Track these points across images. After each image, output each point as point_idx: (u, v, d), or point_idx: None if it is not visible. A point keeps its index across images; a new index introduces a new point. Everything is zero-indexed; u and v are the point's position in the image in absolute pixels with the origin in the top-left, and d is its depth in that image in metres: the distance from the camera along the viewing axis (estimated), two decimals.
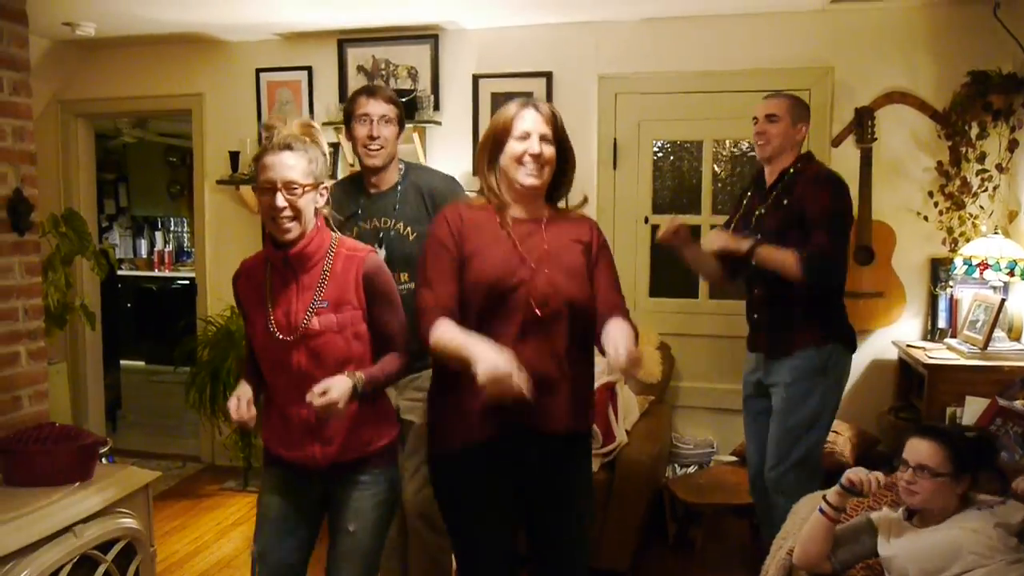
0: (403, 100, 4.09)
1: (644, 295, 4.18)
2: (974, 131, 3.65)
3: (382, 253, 2.52)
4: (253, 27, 4.29)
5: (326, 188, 2.05)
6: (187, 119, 4.79)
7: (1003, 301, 3.37)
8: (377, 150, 2.61)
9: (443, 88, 4.29)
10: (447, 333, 1.90)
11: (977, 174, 3.66)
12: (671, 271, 4.08)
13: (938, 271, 3.76)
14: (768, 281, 2.76)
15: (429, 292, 1.98)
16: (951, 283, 3.69)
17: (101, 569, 2.27)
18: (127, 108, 5.05)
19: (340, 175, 4.08)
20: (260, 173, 1.98)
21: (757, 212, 2.85)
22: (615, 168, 4.15)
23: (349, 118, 2.67)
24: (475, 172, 2.04)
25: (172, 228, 8.51)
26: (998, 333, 3.37)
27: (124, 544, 2.34)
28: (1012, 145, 3.59)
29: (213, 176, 4.64)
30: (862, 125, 3.74)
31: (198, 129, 4.72)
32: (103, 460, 2.54)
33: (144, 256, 8.25)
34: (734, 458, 3.89)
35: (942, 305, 3.74)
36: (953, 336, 3.63)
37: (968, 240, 3.63)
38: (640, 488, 3.30)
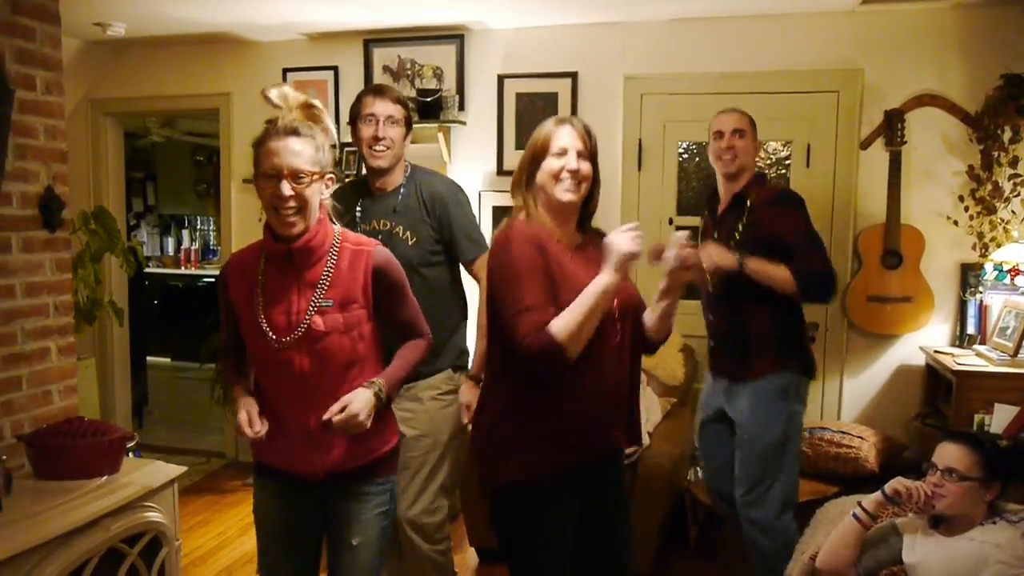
0: (428, 100, 4.14)
1: None
2: (1006, 135, 3.59)
3: None
4: (280, 27, 4.33)
5: (331, 178, 1.92)
6: (214, 118, 4.84)
7: None
8: (382, 151, 2.55)
9: (468, 88, 4.30)
10: (564, 315, 1.81)
11: (1009, 179, 3.60)
12: None
13: (968, 276, 3.71)
14: (728, 307, 2.73)
15: (528, 316, 1.80)
16: (981, 289, 3.65)
17: (127, 562, 2.30)
18: (156, 107, 5.11)
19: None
20: (263, 159, 1.83)
21: (714, 236, 2.79)
22: (640, 169, 4.13)
23: (355, 118, 2.60)
24: (512, 193, 2.01)
25: (199, 226, 8.61)
26: None
27: (150, 538, 2.37)
28: None
29: (240, 175, 4.69)
30: (892, 128, 3.70)
31: (225, 128, 4.77)
32: (130, 455, 2.57)
33: (171, 254, 8.35)
34: None
35: (971, 311, 3.69)
36: (983, 343, 3.58)
37: (999, 245, 3.59)
38: (662, 491, 3.28)
